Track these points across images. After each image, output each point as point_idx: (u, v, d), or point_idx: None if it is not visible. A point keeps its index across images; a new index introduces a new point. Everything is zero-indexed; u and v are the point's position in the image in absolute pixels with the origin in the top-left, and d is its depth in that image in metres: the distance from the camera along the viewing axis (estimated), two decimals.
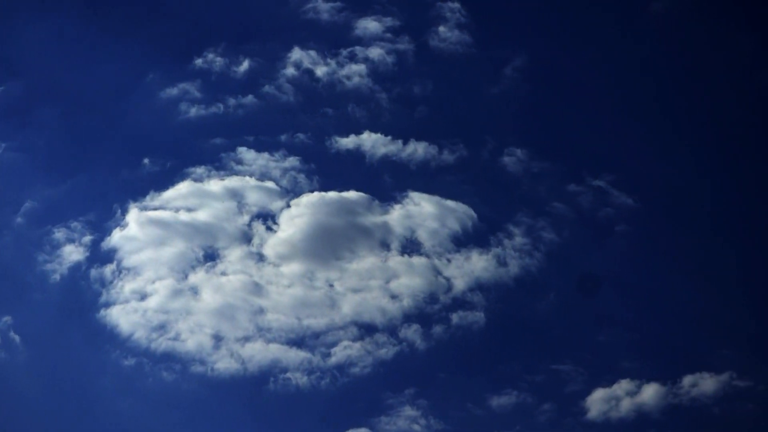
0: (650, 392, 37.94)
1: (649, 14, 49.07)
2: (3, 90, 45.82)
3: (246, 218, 43.34)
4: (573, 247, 42.58)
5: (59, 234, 42.60)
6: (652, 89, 47.09)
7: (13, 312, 39.74)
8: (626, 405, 37.78)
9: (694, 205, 43.29)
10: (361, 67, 48.07)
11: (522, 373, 38.99)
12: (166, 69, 47.93)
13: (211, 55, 48.35)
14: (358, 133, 46.15)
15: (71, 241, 42.46)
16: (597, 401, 38.06)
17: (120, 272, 41.49)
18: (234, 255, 42.13)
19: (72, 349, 39.61)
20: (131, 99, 47.46)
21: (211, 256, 42.04)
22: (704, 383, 38.09)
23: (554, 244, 42.44)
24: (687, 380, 38.13)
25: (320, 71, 48.11)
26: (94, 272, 41.44)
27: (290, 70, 48.04)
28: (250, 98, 47.03)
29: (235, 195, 44.00)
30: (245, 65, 48.13)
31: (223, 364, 39.08)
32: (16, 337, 39.13)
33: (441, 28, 49.04)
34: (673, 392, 37.92)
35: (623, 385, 38.19)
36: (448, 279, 41.74)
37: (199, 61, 48.16)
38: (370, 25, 49.42)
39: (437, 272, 41.91)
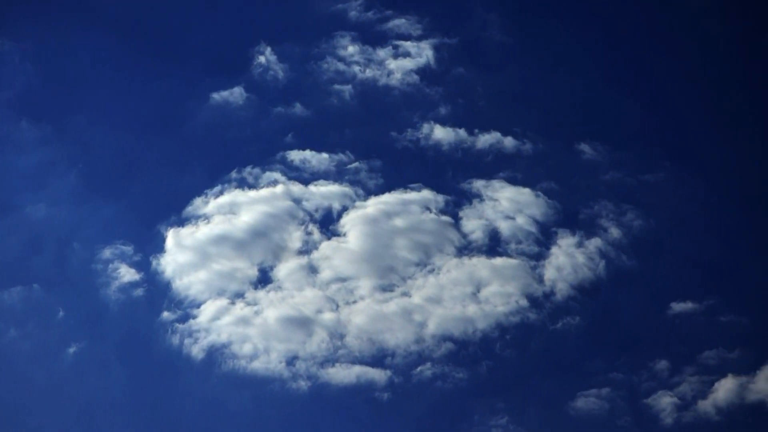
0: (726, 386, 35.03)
1: None
2: (68, 120, 44.26)
3: (304, 226, 39.89)
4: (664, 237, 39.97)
5: (109, 253, 39.33)
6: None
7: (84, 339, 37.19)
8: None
9: None
10: (404, 62, 45.20)
11: (606, 371, 36.23)
12: (207, 83, 45.42)
13: (254, 61, 45.70)
14: (415, 127, 43.21)
15: (123, 260, 39.17)
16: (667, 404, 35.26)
17: (176, 293, 38.14)
18: (291, 267, 38.52)
19: (149, 375, 36.87)
20: (177, 113, 44.71)
21: (266, 271, 38.62)
22: None
23: (645, 234, 39.80)
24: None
25: (363, 68, 45.13)
26: (148, 294, 38.23)
27: (330, 69, 45.14)
28: (295, 101, 44.13)
29: (291, 199, 40.58)
30: (285, 69, 45.31)
31: (300, 384, 35.81)
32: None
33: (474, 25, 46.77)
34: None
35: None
36: (542, 280, 38.54)
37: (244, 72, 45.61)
38: (401, 23, 46.78)
39: (529, 273, 38.70)
